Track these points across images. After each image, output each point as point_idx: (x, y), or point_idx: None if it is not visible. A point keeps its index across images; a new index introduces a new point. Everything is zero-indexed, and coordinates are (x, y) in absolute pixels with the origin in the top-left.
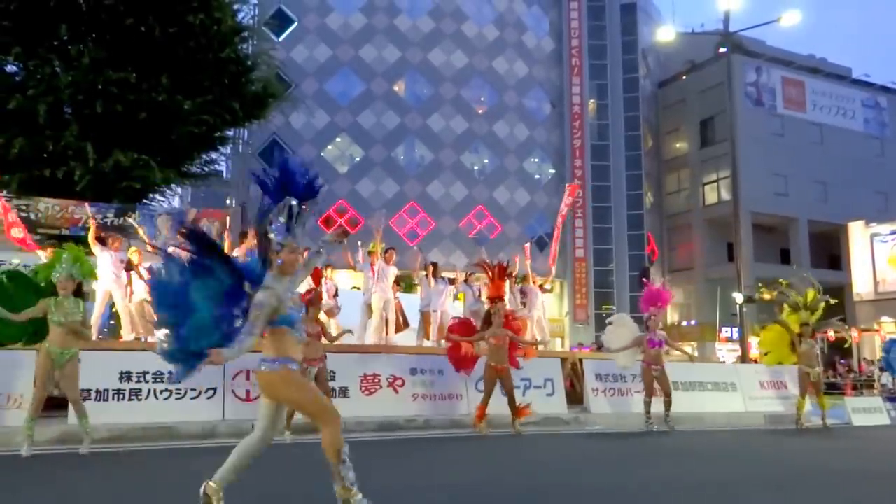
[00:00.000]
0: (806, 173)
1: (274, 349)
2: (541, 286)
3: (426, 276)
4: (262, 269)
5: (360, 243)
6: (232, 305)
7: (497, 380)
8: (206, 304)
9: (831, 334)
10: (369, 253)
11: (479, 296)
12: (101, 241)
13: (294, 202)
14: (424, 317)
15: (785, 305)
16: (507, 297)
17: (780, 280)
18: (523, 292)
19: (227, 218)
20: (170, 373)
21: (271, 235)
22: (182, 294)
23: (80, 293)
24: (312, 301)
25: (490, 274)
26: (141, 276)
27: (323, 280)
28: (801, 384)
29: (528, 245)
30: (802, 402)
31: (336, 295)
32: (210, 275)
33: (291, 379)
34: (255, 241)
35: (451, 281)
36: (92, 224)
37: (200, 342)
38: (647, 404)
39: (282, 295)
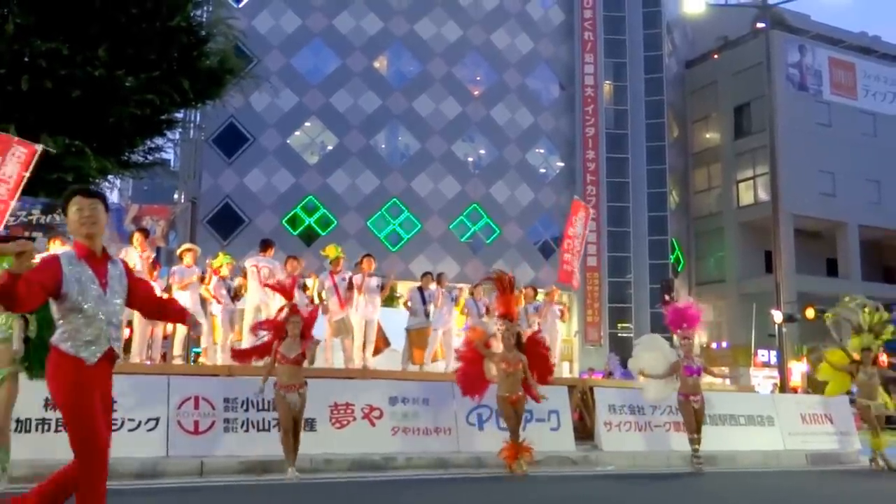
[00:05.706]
0: (857, 170)
1: None
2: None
3: (421, 288)
4: None
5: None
6: None
7: (514, 410)
8: None
9: None
10: (331, 262)
11: (487, 313)
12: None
13: None
14: (411, 336)
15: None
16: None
17: (846, 296)
18: (538, 309)
19: (174, 215)
20: None
21: None
22: None
23: None
24: (288, 318)
25: (501, 287)
26: None
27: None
28: (868, 419)
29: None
30: (879, 440)
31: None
32: None
33: None
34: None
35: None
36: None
37: None
38: (694, 441)
39: None
